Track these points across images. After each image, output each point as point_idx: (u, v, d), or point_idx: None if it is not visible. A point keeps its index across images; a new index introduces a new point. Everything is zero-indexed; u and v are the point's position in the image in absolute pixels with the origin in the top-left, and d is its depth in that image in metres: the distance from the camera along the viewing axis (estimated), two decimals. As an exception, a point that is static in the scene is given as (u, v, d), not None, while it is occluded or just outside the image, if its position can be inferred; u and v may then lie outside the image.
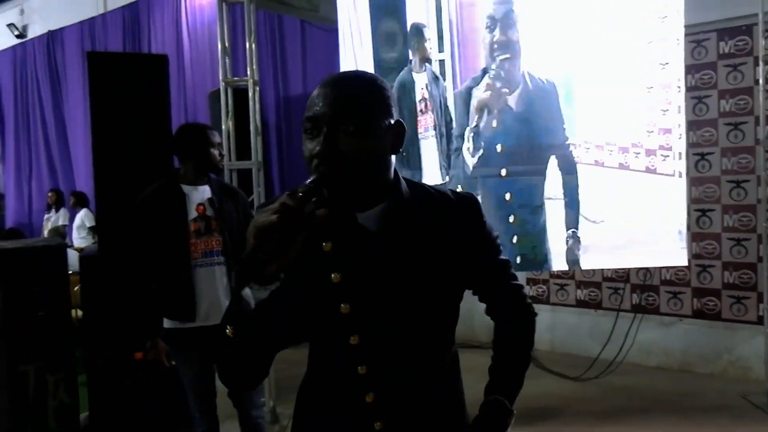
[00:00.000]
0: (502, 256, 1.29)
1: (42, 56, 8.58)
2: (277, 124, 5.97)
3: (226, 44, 3.96)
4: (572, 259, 3.48)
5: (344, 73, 1.18)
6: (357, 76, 1.15)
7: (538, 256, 3.49)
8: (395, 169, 1.15)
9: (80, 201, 7.46)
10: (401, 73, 3.60)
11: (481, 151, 3.50)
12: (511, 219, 3.45)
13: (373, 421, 1.16)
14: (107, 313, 3.43)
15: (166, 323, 2.59)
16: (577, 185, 3.42)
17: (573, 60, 3.43)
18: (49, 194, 7.84)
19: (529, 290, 5.31)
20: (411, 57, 3.59)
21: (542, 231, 3.46)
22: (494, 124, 3.47)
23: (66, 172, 8.44)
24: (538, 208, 3.45)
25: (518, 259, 3.49)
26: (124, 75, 3.62)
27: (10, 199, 9.34)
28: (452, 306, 1.21)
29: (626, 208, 3.46)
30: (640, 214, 3.45)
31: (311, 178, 1.00)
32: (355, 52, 3.70)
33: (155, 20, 7.01)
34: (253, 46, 3.94)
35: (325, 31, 5.38)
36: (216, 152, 2.65)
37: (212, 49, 6.33)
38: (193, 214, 2.57)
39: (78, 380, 3.48)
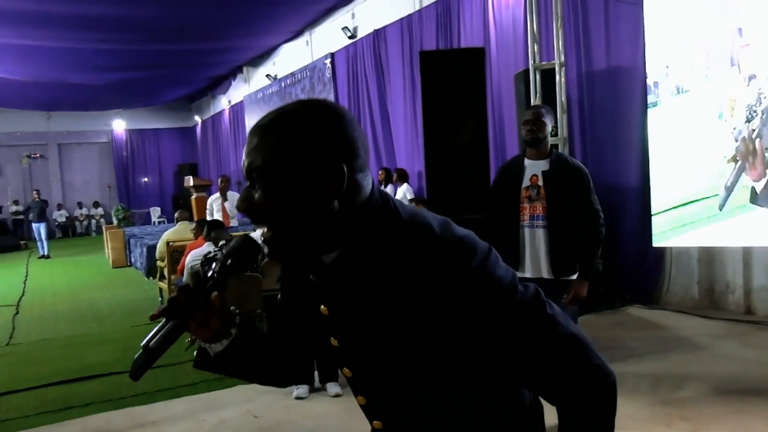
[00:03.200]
0: (545, 338, 0.95)
1: (369, 52, 9.99)
2: (579, 100, 6.16)
3: (535, 31, 4.35)
4: None
5: (264, 117, 1.01)
6: (271, 121, 0.99)
7: None
8: (369, 211, 0.99)
9: (401, 176, 8.62)
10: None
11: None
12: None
13: None
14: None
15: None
16: None
17: None
18: (380, 172, 9.13)
19: None
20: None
21: None
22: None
23: (388, 151, 9.77)
24: None
25: None
26: (448, 68, 4.29)
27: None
28: (449, 366, 1.02)
29: None
30: None
31: (217, 253, 1.09)
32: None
33: (465, 11, 7.69)
34: (560, 31, 4.26)
35: (629, 4, 5.42)
36: (524, 129, 3.14)
37: (516, 34, 6.77)
38: (526, 183, 3.08)
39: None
